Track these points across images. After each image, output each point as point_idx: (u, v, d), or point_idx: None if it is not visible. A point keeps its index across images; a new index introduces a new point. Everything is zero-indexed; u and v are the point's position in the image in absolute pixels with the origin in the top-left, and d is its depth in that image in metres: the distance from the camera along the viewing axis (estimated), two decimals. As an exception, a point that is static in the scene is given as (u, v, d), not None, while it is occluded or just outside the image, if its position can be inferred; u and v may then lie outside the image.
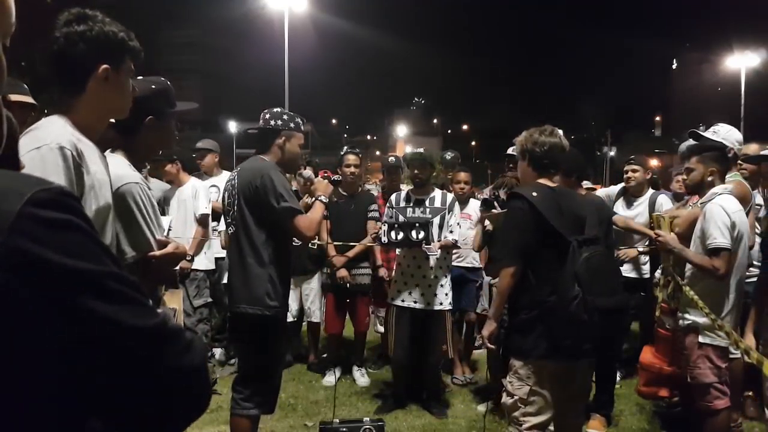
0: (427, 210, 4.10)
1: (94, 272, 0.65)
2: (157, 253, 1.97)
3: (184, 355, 0.73)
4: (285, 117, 3.01)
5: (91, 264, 0.65)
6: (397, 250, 4.22)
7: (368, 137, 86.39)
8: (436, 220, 4.03)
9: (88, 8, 1.65)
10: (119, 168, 2.04)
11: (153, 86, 2.15)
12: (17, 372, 0.62)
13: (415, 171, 4.16)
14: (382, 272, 4.50)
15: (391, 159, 5.27)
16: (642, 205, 4.68)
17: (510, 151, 4.38)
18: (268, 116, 3.01)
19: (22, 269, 0.60)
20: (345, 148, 5.17)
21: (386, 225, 4.00)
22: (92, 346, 0.65)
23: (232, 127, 53.97)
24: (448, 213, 4.10)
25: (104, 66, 1.62)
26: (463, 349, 5.00)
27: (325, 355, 5.18)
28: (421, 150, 4.58)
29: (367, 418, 3.64)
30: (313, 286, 4.98)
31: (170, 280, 2.18)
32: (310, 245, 4.47)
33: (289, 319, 4.45)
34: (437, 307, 4.03)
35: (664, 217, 3.39)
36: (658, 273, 4.24)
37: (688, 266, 3.16)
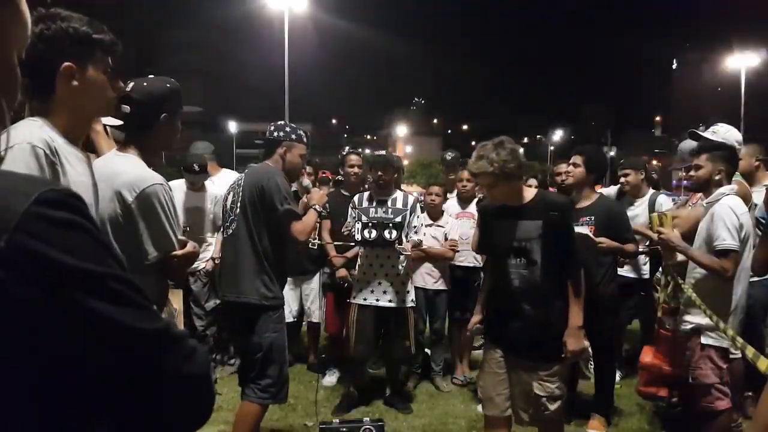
0: (389, 210, 4.15)
1: (97, 273, 0.64)
2: (179, 252, 2.02)
3: (186, 362, 0.72)
4: (287, 129, 3.27)
5: (94, 264, 0.64)
6: (360, 249, 4.26)
7: (368, 137, 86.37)
8: (398, 220, 4.09)
9: (82, 9, 1.59)
10: (140, 169, 2.05)
11: (168, 85, 2.16)
12: (15, 371, 0.61)
13: (379, 173, 4.20)
14: (343, 273, 4.50)
15: None
16: (642, 206, 4.67)
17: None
18: (272, 128, 3.28)
19: (26, 267, 0.59)
20: (347, 148, 5.18)
21: (359, 224, 4.06)
22: (92, 347, 0.64)
23: (232, 127, 54.02)
24: (410, 214, 4.17)
25: (66, 64, 1.52)
26: (464, 349, 4.99)
27: (324, 355, 5.18)
28: (383, 152, 4.69)
29: (367, 418, 3.65)
30: (313, 286, 4.97)
31: (184, 278, 2.25)
32: (310, 245, 4.48)
33: (289, 319, 4.45)
34: (409, 305, 4.13)
35: (666, 215, 3.36)
36: (659, 273, 4.23)
37: (691, 266, 3.15)
